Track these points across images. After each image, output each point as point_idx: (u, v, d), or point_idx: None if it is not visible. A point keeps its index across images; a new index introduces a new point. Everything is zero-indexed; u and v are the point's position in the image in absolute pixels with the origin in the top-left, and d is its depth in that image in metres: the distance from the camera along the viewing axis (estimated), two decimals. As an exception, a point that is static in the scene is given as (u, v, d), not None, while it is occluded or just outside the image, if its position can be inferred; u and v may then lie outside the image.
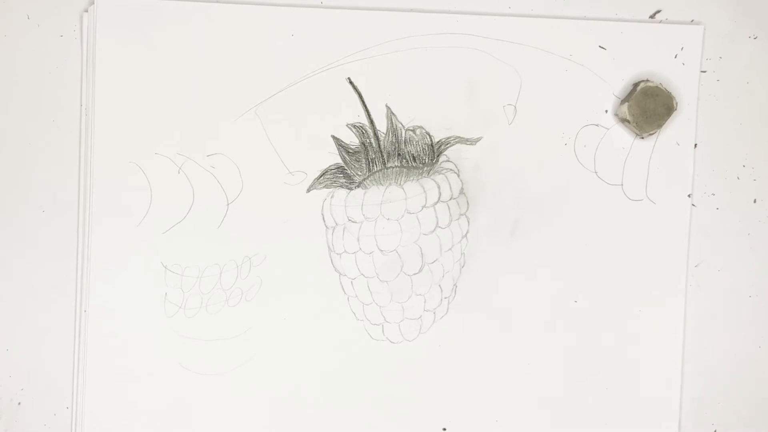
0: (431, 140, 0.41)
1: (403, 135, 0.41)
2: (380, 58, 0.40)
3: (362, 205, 0.41)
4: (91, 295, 0.40)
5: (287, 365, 0.41)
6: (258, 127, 0.40)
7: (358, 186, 0.41)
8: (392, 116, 0.41)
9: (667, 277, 0.42)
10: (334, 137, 0.41)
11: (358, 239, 0.41)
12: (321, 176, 0.41)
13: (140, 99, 0.40)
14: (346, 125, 0.41)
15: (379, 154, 0.41)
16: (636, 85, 0.41)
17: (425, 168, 0.41)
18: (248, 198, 0.40)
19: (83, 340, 0.40)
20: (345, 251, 0.41)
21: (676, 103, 0.41)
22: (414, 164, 0.41)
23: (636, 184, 0.42)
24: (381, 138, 0.41)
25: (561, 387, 0.42)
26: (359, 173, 0.41)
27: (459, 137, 0.41)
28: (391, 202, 0.41)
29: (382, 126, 0.41)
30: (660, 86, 0.41)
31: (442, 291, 0.41)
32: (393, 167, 0.41)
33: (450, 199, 0.41)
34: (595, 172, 0.42)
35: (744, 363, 0.43)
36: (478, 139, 0.41)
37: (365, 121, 0.41)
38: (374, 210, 0.41)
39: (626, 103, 0.40)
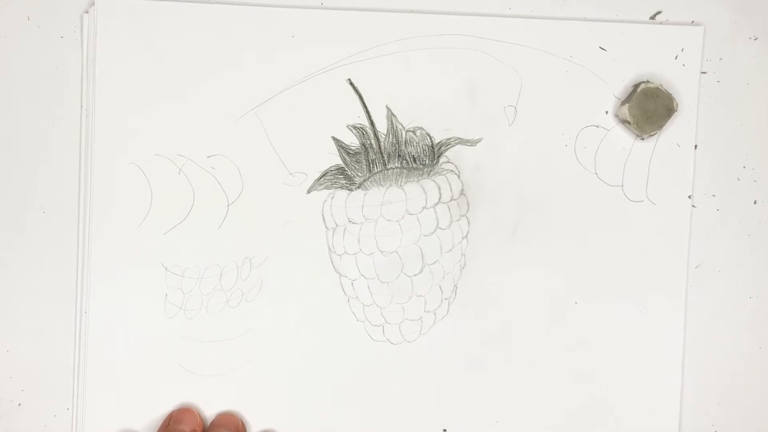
0: (431, 141, 0.41)
1: (404, 136, 0.41)
2: (381, 59, 0.40)
3: (363, 207, 0.41)
4: (92, 296, 0.40)
5: (287, 366, 0.41)
6: (258, 128, 0.40)
7: (359, 187, 0.41)
8: (392, 117, 0.41)
9: (667, 278, 0.42)
10: (334, 138, 0.41)
11: (358, 240, 0.41)
12: (321, 177, 0.41)
13: (140, 100, 0.40)
14: (347, 126, 0.41)
15: (380, 156, 0.41)
16: (636, 86, 0.41)
17: (425, 169, 0.41)
18: (249, 199, 0.40)
19: (84, 341, 0.40)
20: (345, 252, 0.41)
21: (677, 104, 0.41)
22: (414, 165, 0.41)
23: (636, 185, 0.42)
24: (381, 139, 0.41)
25: (561, 388, 0.42)
26: (359, 174, 0.41)
27: (459, 138, 0.41)
28: (392, 203, 0.41)
29: (382, 127, 0.41)
30: (660, 87, 0.41)
31: (442, 292, 0.41)
32: (393, 168, 0.41)
33: (450, 200, 0.41)
34: (596, 173, 0.42)
35: (744, 364, 0.43)
36: (479, 140, 0.41)
37: (366, 123, 0.41)
38: (375, 211, 0.41)
39: (626, 104, 0.40)
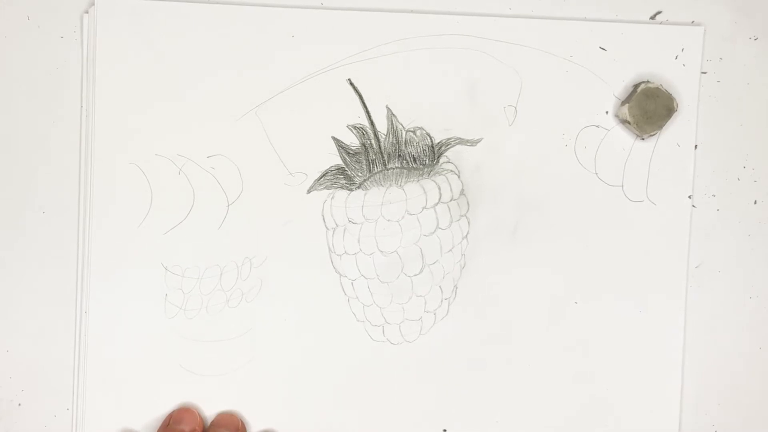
0: (431, 141, 0.41)
1: (404, 136, 0.41)
2: (381, 59, 0.40)
3: (363, 207, 0.41)
4: (92, 296, 0.40)
5: (287, 366, 0.41)
6: (258, 128, 0.40)
7: (359, 187, 0.41)
8: (393, 117, 0.41)
9: (667, 278, 0.42)
10: (334, 138, 0.41)
11: (358, 240, 0.41)
12: (321, 177, 0.41)
13: (140, 100, 0.40)
14: (347, 126, 0.41)
15: (380, 156, 0.41)
16: (636, 86, 0.41)
17: (426, 169, 0.41)
18: (249, 199, 0.40)
19: (83, 341, 0.40)
20: (345, 252, 0.41)
21: (677, 105, 0.41)
22: (414, 165, 0.41)
23: (636, 185, 0.42)
24: (381, 139, 0.41)
25: (561, 388, 0.42)
26: (360, 174, 0.41)
27: (459, 138, 0.41)
28: (392, 203, 0.41)
29: (382, 127, 0.41)
30: (660, 87, 0.41)
31: (442, 292, 0.41)
32: (393, 168, 0.41)
33: (450, 200, 0.41)
34: (596, 174, 0.42)
35: (744, 364, 0.43)
36: (479, 140, 0.41)
37: (366, 123, 0.41)
38: (375, 211, 0.41)
39: (627, 105, 0.40)
